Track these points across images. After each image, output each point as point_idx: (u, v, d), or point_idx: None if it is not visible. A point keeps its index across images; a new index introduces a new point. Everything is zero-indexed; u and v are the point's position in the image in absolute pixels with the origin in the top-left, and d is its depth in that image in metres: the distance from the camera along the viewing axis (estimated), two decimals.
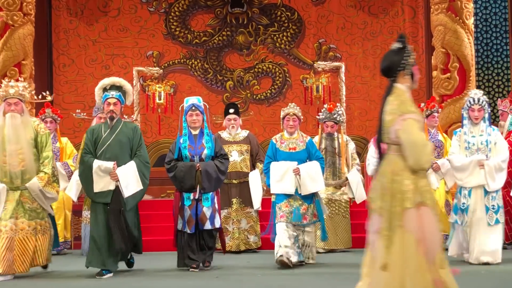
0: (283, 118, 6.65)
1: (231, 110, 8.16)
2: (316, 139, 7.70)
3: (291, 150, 6.51)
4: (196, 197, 6.15)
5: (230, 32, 11.21)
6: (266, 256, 7.13)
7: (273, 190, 6.46)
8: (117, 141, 5.98)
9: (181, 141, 6.28)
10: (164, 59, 11.09)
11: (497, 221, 6.31)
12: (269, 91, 11.21)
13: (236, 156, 7.91)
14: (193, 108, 6.29)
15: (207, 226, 6.19)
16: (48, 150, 5.93)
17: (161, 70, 10.46)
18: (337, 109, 7.78)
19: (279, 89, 11.20)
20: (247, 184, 7.83)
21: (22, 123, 5.86)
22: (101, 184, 5.90)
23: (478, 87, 10.84)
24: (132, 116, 9.38)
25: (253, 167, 8.01)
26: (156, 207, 9.04)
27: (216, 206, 6.29)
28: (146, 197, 8.01)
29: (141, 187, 6.00)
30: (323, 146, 7.76)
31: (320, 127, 7.94)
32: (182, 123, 6.33)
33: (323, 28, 11.18)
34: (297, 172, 6.36)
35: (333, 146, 7.78)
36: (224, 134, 8.09)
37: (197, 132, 6.32)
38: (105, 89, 6.13)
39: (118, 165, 5.92)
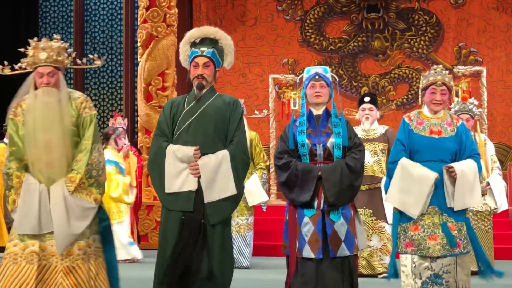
0: (425, 89, 4.46)
1: (366, 99, 6.75)
2: None
3: (433, 135, 4.37)
4: (321, 207, 4.15)
5: (365, 37, 11.13)
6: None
7: (393, 202, 4.39)
8: (205, 120, 4.11)
9: (297, 123, 4.29)
10: (299, 66, 11.21)
11: None
12: (405, 96, 11.00)
13: (368, 157, 6.38)
14: (317, 77, 4.32)
15: (343, 251, 4.13)
16: (87, 139, 3.92)
17: (296, 77, 10.58)
18: (471, 101, 6.59)
19: (416, 94, 10.96)
20: (379, 191, 6.36)
21: (59, 101, 3.90)
22: (176, 181, 4.04)
23: None
24: (264, 110, 9.45)
25: None
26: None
27: (356, 219, 4.27)
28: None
29: (234, 191, 4.05)
30: None
31: None
32: (300, 100, 4.48)
33: (463, 32, 10.82)
34: (453, 173, 4.24)
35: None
36: (357, 131, 6.45)
37: (320, 111, 4.31)
38: (194, 44, 4.29)
39: (204, 153, 4.05)
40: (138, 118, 9.36)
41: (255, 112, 9.22)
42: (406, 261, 4.30)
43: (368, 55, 11.15)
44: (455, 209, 4.22)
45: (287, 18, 11.34)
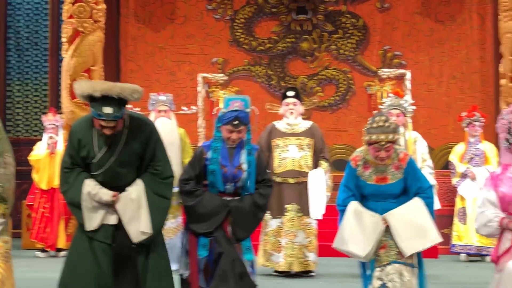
0: (369, 144, 4.32)
1: (290, 93, 6.76)
2: None
3: (379, 182, 4.36)
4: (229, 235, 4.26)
5: (294, 39, 11.24)
6: (331, 282, 6.18)
7: (345, 248, 4.37)
8: (120, 162, 3.90)
9: (208, 155, 4.28)
10: (228, 65, 11.21)
11: None
12: (332, 98, 11.17)
13: (295, 152, 6.55)
14: (235, 122, 4.23)
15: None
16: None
17: (226, 77, 10.57)
18: (405, 98, 6.54)
19: (343, 96, 11.15)
20: (306, 186, 6.46)
21: None
22: (95, 218, 3.89)
23: None
24: (192, 107, 9.37)
25: (315, 166, 6.65)
26: None
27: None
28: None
29: (149, 230, 3.88)
30: None
31: None
32: (214, 129, 4.38)
33: (388, 35, 11.07)
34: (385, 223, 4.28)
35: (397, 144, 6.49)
36: (280, 125, 6.78)
37: (234, 145, 4.33)
38: (93, 98, 3.75)
39: (121, 184, 3.94)
40: (63, 116, 9.16)
41: (183, 108, 9.15)
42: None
43: (297, 56, 11.26)
44: (407, 255, 4.23)
45: (216, 17, 11.32)
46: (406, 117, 6.66)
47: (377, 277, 4.27)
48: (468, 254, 8.31)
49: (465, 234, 8.30)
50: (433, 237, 4.28)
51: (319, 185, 6.46)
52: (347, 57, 11.16)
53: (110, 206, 3.88)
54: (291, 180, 6.57)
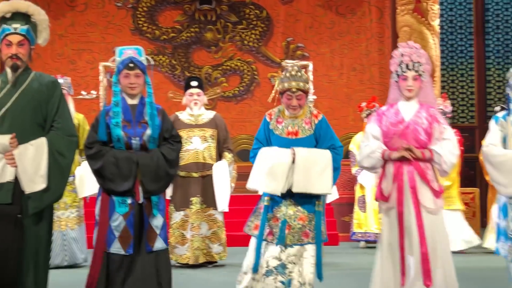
0: (281, 93, 4.48)
1: (194, 83, 6.60)
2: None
3: (290, 136, 4.43)
4: (140, 201, 4.06)
5: (198, 29, 11.18)
6: (233, 272, 5.99)
7: (258, 186, 4.47)
8: (22, 106, 3.80)
9: (111, 114, 4.12)
10: None
11: None
12: (237, 88, 11.21)
13: (198, 143, 6.47)
14: (131, 65, 4.11)
15: (159, 245, 4.13)
16: None
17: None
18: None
19: (247, 86, 11.22)
20: (210, 178, 6.45)
21: None
22: None
23: (443, 87, 11.00)
24: (92, 91, 9.13)
25: (219, 157, 6.61)
26: None
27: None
28: None
29: (44, 184, 3.72)
30: None
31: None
32: (112, 86, 4.21)
33: (291, 27, 11.21)
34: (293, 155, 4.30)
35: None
36: (183, 116, 6.65)
37: (135, 101, 4.16)
38: (3, 20, 3.86)
39: (22, 142, 3.76)
40: None
41: (82, 92, 8.91)
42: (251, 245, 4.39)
43: (201, 46, 11.21)
44: (293, 190, 4.27)
45: (118, 5, 11.09)
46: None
47: (275, 257, 4.27)
48: (367, 241, 8.57)
49: (365, 222, 8.56)
50: (325, 188, 4.31)
51: (224, 178, 6.45)
52: (251, 48, 11.22)
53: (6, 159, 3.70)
54: (195, 174, 6.49)
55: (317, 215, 4.34)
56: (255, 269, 4.31)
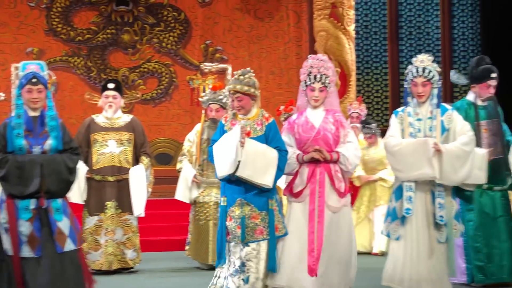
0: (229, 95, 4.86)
1: (110, 85, 6.44)
2: (198, 128, 6.57)
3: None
4: (45, 205, 4.15)
5: (115, 30, 10.99)
6: (149, 278, 6.17)
7: (219, 172, 4.68)
8: None
9: (12, 125, 4.23)
10: (45, 56, 10.69)
11: (448, 236, 4.82)
12: (155, 91, 11.08)
13: (114, 147, 6.36)
14: (34, 80, 4.25)
15: (70, 246, 4.20)
16: None
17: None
18: (224, 91, 6.45)
19: (165, 89, 11.10)
20: (126, 182, 6.35)
21: None
22: None
23: (358, 91, 11.26)
24: (0, 94, 8.79)
25: (136, 161, 6.51)
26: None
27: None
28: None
29: None
30: (205, 136, 6.50)
31: (203, 113, 6.69)
32: (15, 98, 4.34)
33: (210, 30, 11.19)
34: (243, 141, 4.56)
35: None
36: (100, 119, 6.49)
37: (37, 113, 4.29)
38: None
39: None
40: None
41: None
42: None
43: (118, 48, 11.02)
44: (237, 174, 4.52)
45: (31, 5, 10.74)
46: (225, 110, 6.56)
47: (238, 257, 4.60)
48: None
49: None
50: (268, 181, 4.58)
51: (140, 182, 6.37)
52: (169, 51, 11.12)
53: None
54: (110, 178, 6.37)
55: (270, 213, 4.63)
56: (219, 263, 4.75)
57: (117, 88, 6.54)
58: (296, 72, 11.19)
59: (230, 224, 4.62)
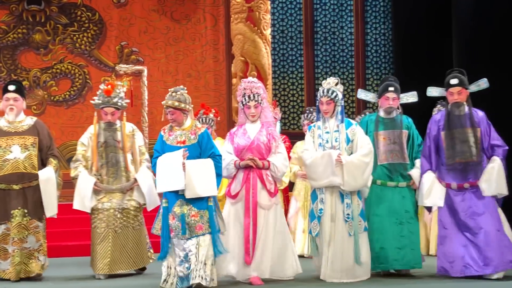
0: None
1: (11, 87, 6.10)
2: (91, 131, 6.34)
3: (179, 144, 5.46)
4: None
5: (26, 29, 10.67)
6: (59, 283, 5.95)
7: (160, 188, 5.47)
8: None
9: None
10: None
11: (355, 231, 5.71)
12: (68, 92, 10.81)
13: (18, 152, 6.04)
14: None
15: None
16: None
17: None
18: (118, 91, 6.37)
19: (79, 91, 10.86)
20: (35, 189, 6.08)
21: None
22: None
23: (274, 95, 11.37)
24: None
25: (42, 165, 6.22)
26: None
27: None
28: None
29: None
30: (102, 139, 6.30)
31: (95, 115, 6.43)
32: None
33: (126, 31, 11.02)
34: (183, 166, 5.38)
35: (115, 139, 6.29)
36: (1, 123, 6.16)
37: None
38: None
39: None
40: None
41: None
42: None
43: (29, 48, 10.70)
44: (186, 196, 5.35)
45: None
46: (121, 111, 6.49)
47: (182, 249, 5.38)
48: None
49: None
50: (211, 191, 5.42)
51: (51, 184, 6.13)
52: (83, 51, 10.88)
53: None
54: (15, 186, 6.03)
55: (209, 210, 5.42)
56: (160, 258, 5.46)
57: (19, 90, 6.20)
58: (213, 75, 11.26)
59: (173, 222, 5.40)
